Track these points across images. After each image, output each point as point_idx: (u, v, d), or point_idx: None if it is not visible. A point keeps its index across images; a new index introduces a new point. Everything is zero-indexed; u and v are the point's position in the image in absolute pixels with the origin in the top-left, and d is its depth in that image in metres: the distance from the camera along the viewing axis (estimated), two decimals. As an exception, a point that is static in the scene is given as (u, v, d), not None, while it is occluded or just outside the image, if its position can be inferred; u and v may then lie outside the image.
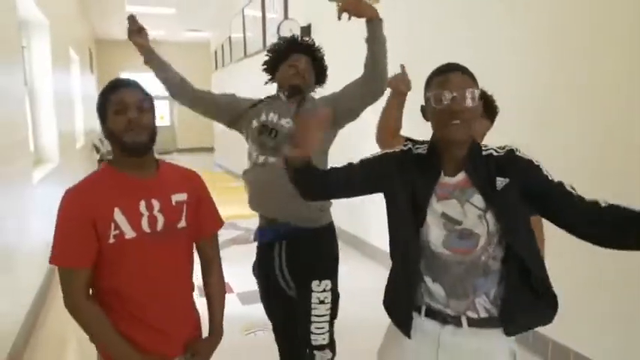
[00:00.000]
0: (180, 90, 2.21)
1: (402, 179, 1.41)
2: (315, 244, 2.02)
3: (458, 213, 1.34)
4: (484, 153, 1.37)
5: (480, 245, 1.32)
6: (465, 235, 1.33)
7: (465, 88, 1.30)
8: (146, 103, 1.46)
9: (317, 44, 2.19)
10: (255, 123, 2.09)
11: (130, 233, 1.41)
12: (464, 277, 1.35)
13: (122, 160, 1.46)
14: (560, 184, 1.29)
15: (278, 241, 2.05)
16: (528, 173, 1.32)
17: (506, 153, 1.36)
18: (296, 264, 2.03)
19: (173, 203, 1.49)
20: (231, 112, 2.21)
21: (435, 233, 1.36)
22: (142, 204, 1.44)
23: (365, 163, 1.50)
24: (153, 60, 2.17)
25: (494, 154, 1.37)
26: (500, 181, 1.31)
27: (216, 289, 1.67)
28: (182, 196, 1.52)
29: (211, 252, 1.68)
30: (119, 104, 1.41)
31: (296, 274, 2.03)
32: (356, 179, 1.49)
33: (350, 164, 1.51)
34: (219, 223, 1.67)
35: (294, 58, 2.10)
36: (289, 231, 2.01)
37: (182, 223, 1.51)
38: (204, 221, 1.61)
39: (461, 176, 1.36)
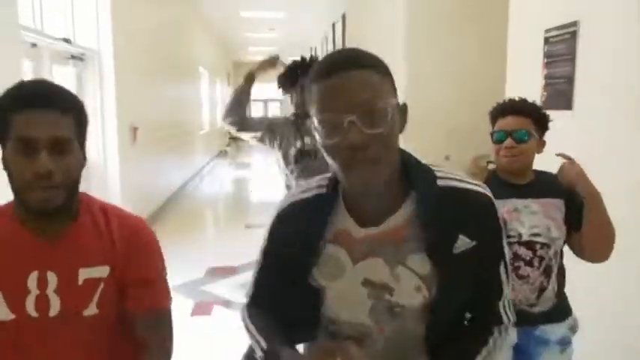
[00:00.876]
0: (240, 117, 2.39)
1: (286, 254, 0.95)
2: None
3: (387, 276, 0.89)
4: (440, 183, 0.88)
5: (414, 318, 0.91)
6: (395, 312, 0.91)
7: (371, 102, 0.78)
8: (65, 142, 0.96)
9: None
10: (292, 149, 2.28)
11: (4, 314, 0.99)
12: (390, 352, 0.94)
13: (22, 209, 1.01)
14: (498, 277, 0.92)
15: None
16: (492, 242, 0.90)
17: (480, 198, 0.88)
18: None
19: (79, 282, 1.02)
20: (270, 135, 2.38)
21: (353, 309, 0.93)
22: (33, 277, 1.00)
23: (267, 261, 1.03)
24: (252, 84, 2.45)
25: (458, 186, 0.88)
26: (463, 243, 0.86)
27: None
28: (99, 271, 1.04)
29: (144, 334, 1.12)
30: (24, 141, 0.93)
31: None
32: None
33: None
34: (156, 300, 1.12)
35: (304, 80, 2.09)
36: None
37: (91, 310, 1.03)
38: (134, 296, 1.08)
39: (392, 224, 0.88)
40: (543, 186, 1.59)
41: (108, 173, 4.68)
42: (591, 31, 2.27)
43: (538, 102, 2.71)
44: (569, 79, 2.37)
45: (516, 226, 1.54)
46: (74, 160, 1.00)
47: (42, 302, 1.01)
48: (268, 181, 9.57)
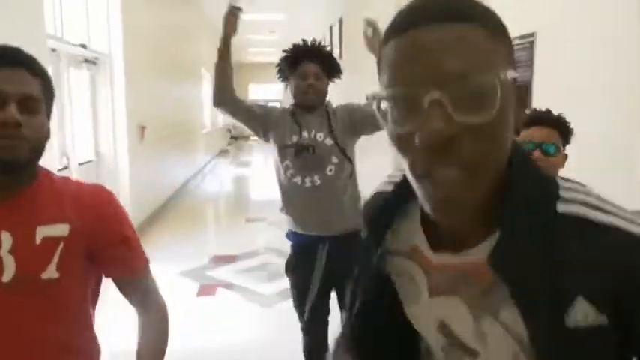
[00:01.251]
0: (227, 98, 2.15)
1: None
2: (357, 237, 1.96)
3: (470, 331, 0.61)
4: (563, 209, 0.55)
5: None
6: None
7: (469, 72, 0.50)
8: (34, 100, 0.95)
9: (327, 48, 2.24)
10: (289, 143, 2.12)
11: None
12: None
13: None
14: None
15: (321, 243, 2.14)
16: None
17: (631, 244, 0.52)
18: (341, 259, 1.92)
19: (37, 241, 0.96)
20: (264, 125, 2.19)
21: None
22: None
23: None
24: (226, 53, 2.14)
25: (594, 219, 0.53)
26: (583, 311, 0.51)
27: (143, 351, 1.10)
28: (58, 230, 0.98)
29: (136, 298, 1.13)
30: None
31: (342, 268, 1.80)
32: None
33: None
34: (135, 264, 1.12)
35: (304, 67, 2.11)
36: (333, 235, 2.11)
37: (50, 273, 0.96)
38: (113, 263, 1.08)
39: (476, 255, 0.58)
40: None
41: (118, 169, 5.02)
42: (545, 41, 2.62)
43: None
44: (529, 83, 2.72)
45: None
46: (42, 122, 0.98)
47: None
48: (268, 179, 9.83)
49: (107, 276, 1.12)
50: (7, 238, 0.94)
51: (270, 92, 20.29)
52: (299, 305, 2.26)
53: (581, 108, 2.39)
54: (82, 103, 4.52)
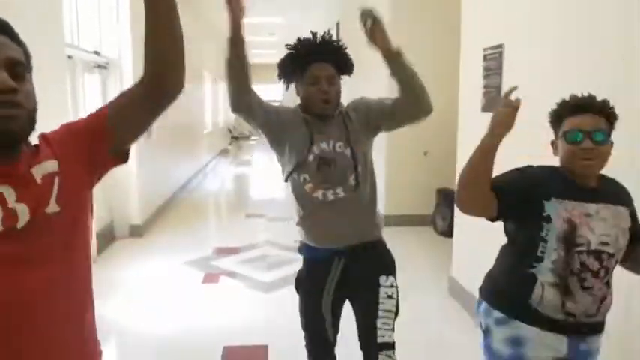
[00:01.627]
0: (248, 100, 1.86)
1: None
2: (375, 248, 2.01)
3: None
4: None
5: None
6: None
7: None
8: (22, 66, 0.94)
9: (339, 42, 1.99)
10: (310, 157, 1.90)
11: None
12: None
13: None
14: None
15: (337, 256, 1.98)
16: None
17: None
18: (358, 268, 1.96)
19: (38, 181, 0.98)
20: (280, 135, 1.96)
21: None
22: None
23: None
24: (238, 41, 1.79)
25: None
26: None
27: None
28: (52, 166, 1.01)
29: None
30: None
31: (359, 277, 1.96)
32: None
33: None
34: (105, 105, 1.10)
35: (315, 70, 1.89)
36: (351, 247, 1.96)
37: (52, 207, 0.99)
38: (97, 119, 1.08)
39: None
40: (611, 192, 1.52)
41: (127, 167, 5.30)
42: (512, 51, 2.94)
43: (479, 107, 3.39)
44: (498, 89, 3.05)
45: (586, 232, 1.44)
46: (31, 89, 0.96)
47: (8, 216, 0.92)
48: (267, 178, 10.29)
49: (123, 140, 1.16)
50: (12, 193, 0.94)
51: (271, 92, 20.58)
52: (306, 330, 2.12)
53: (543, 111, 2.71)
54: (95, 106, 4.85)
